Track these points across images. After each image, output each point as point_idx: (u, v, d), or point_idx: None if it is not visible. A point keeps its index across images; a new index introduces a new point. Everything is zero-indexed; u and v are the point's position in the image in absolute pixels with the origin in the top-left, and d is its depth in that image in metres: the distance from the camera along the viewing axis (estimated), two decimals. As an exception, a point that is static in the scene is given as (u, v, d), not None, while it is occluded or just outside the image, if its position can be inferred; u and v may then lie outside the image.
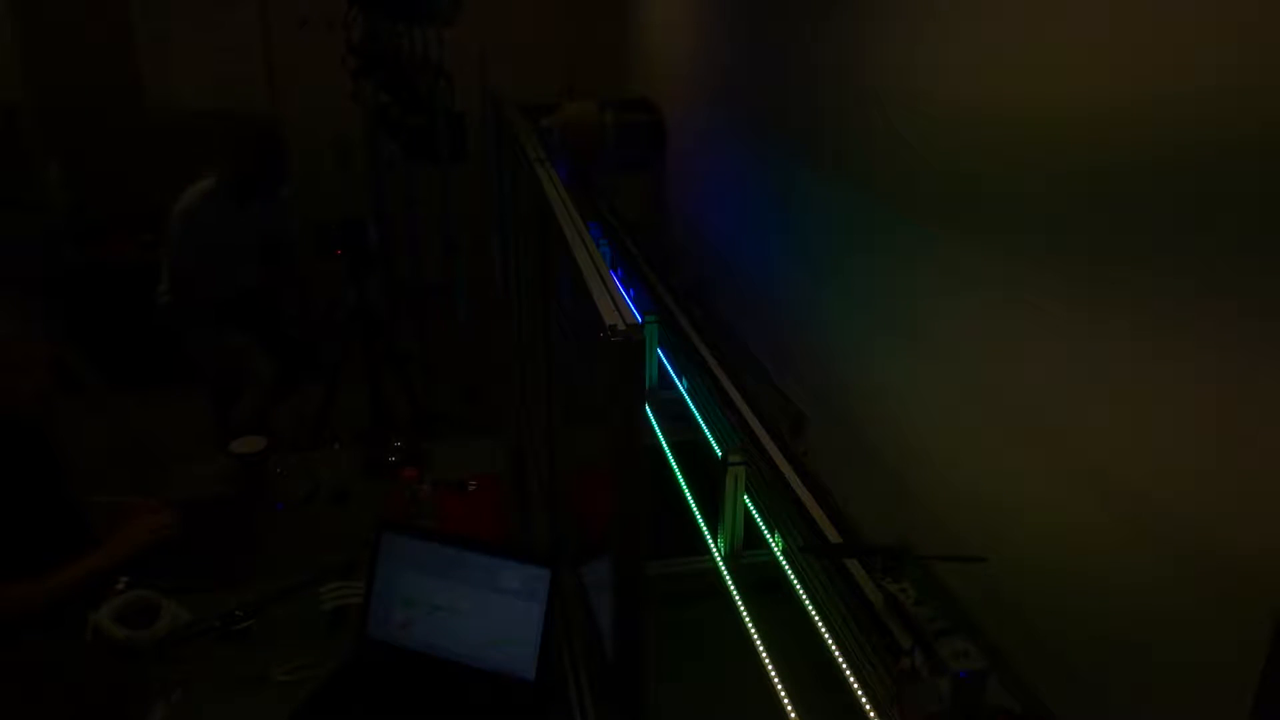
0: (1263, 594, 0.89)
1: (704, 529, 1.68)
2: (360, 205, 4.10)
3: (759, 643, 1.37)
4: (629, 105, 3.74)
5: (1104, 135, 1.11)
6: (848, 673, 1.24)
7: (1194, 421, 0.99)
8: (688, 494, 1.77)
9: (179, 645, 1.74)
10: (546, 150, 1.95)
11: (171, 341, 3.43)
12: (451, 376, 4.08)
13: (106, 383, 4.03)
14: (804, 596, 1.42)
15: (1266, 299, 0.89)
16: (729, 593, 1.51)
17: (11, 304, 1.97)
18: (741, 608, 1.45)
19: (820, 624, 1.35)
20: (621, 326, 0.94)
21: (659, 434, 1.96)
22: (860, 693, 1.21)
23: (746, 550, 1.63)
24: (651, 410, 2.02)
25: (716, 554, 1.63)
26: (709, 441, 1.90)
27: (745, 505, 1.62)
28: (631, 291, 2.69)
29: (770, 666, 1.32)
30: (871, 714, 1.18)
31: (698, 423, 1.98)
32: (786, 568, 1.50)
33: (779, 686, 1.29)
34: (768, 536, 1.60)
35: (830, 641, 1.31)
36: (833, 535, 1.50)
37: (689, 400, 2.07)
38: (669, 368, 2.26)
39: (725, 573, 1.56)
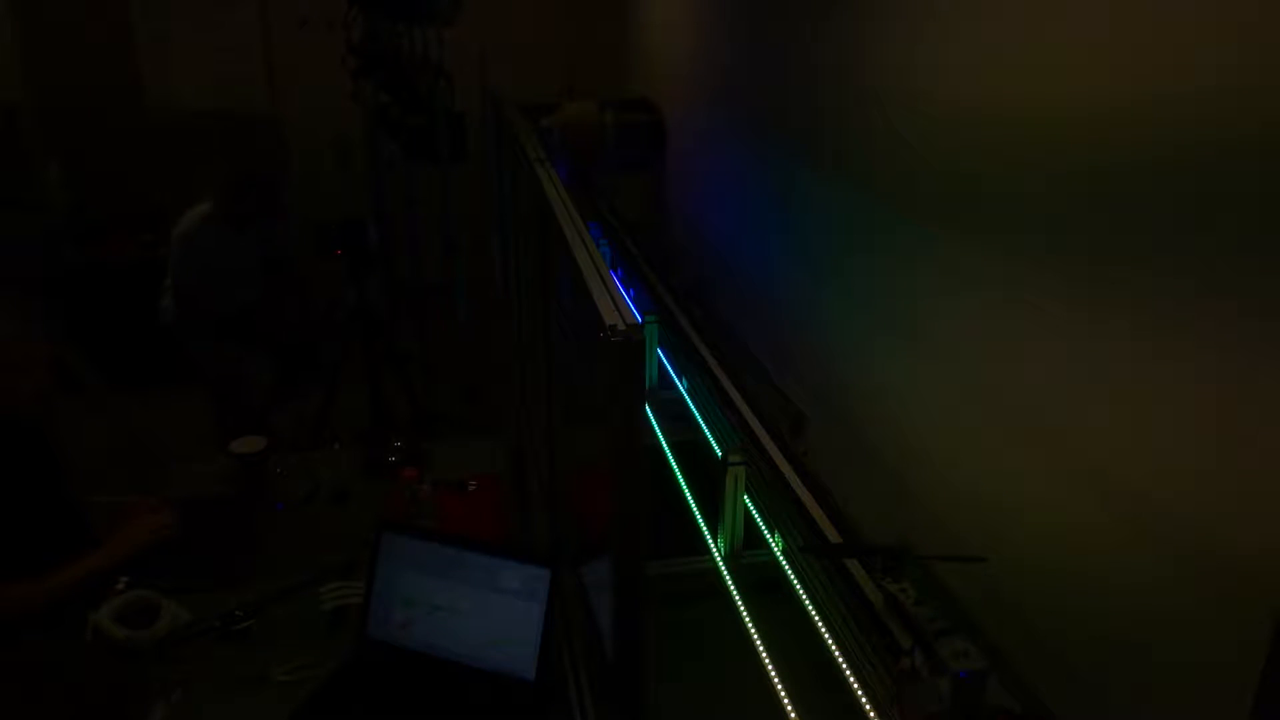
0: (1263, 594, 0.89)
1: (704, 529, 1.68)
2: (360, 205, 4.11)
3: (759, 643, 1.37)
4: (629, 105, 3.74)
5: (1104, 135, 1.11)
6: (848, 673, 1.24)
7: (1194, 421, 0.99)
8: (688, 494, 1.77)
9: (179, 645, 1.74)
10: (546, 150, 1.95)
11: (172, 343, 3.43)
12: (451, 376, 4.08)
13: (106, 383, 4.03)
14: (804, 596, 1.42)
15: (1266, 299, 0.89)
16: (729, 593, 1.51)
17: (11, 304, 1.97)
18: (741, 608, 1.45)
19: (820, 624, 1.35)
20: (621, 326, 0.94)
21: (659, 434, 1.96)
22: (860, 693, 1.21)
23: (746, 550, 1.63)
24: (651, 410, 2.02)
25: (716, 554, 1.63)
26: (709, 441, 1.90)
27: (745, 505, 1.62)
28: (631, 291, 2.69)
29: (770, 666, 1.32)
30: (871, 714, 1.18)
31: (698, 423, 1.98)
32: (786, 568, 1.50)
33: (779, 686, 1.29)
34: (768, 536, 1.60)
35: (830, 641, 1.31)
36: (833, 535, 1.50)
37: (689, 400, 2.07)
38: (669, 368, 2.26)
39: (725, 573, 1.56)
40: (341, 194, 4.34)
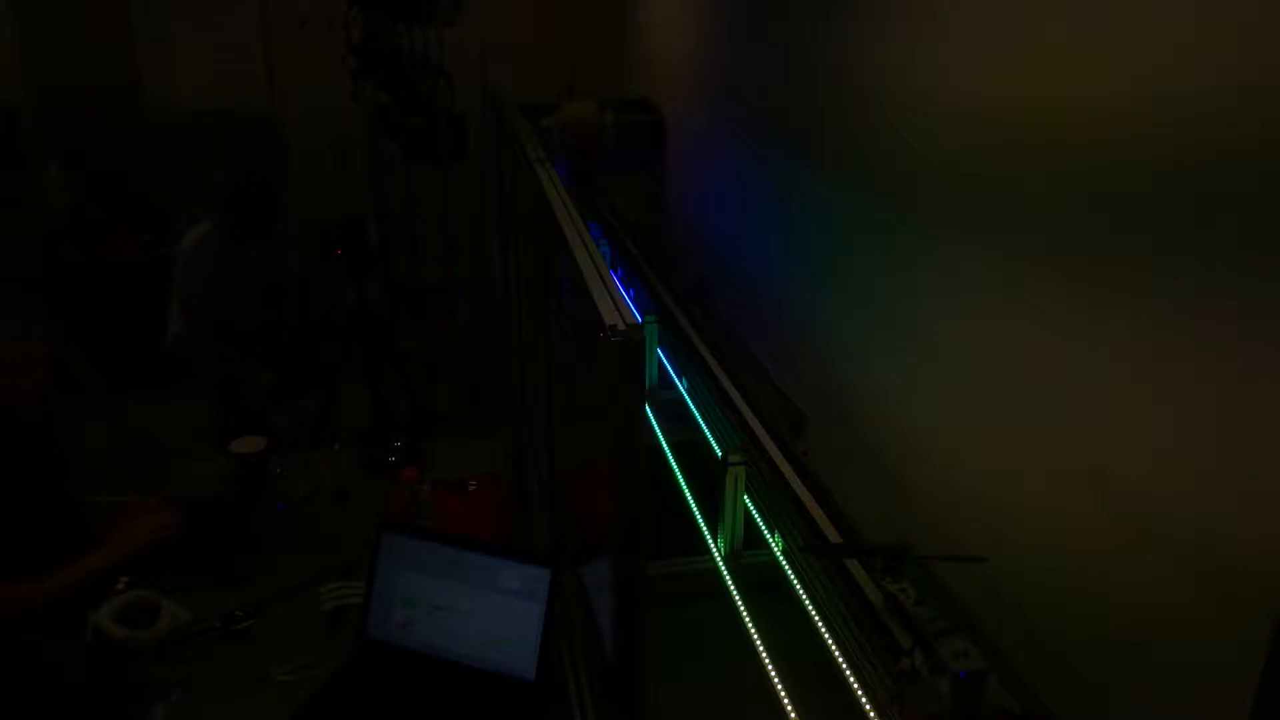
0: (1263, 594, 0.89)
1: (704, 529, 1.68)
2: (360, 205, 4.11)
3: (759, 643, 1.37)
4: (629, 105, 3.74)
5: (1104, 135, 1.11)
6: (848, 673, 1.24)
7: (1194, 421, 0.99)
8: (688, 494, 1.77)
9: (179, 645, 1.74)
10: (546, 150, 1.95)
11: (179, 362, 3.42)
12: (451, 376, 4.08)
13: (106, 383, 4.03)
14: (804, 596, 1.42)
15: (1266, 299, 0.89)
16: (729, 593, 1.51)
17: (11, 304, 1.97)
18: (741, 608, 1.45)
19: (820, 624, 1.35)
20: (621, 326, 0.94)
21: (659, 434, 1.96)
22: (860, 693, 1.21)
23: (746, 550, 1.63)
24: (651, 410, 2.02)
25: (716, 554, 1.63)
26: (709, 441, 1.90)
27: (745, 505, 1.62)
28: (631, 291, 2.69)
29: (770, 666, 1.32)
30: (871, 714, 1.18)
31: (698, 423, 1.98)
32: (786, 568, 1.50)
33: (779, 686, 1.29)
34: (768, 536, 1.60)
35: (830, 641, 1.31)
36: (833, 535, 1.50)
37: (689, 400, 2.07)
38: (669, 368, 2.26)
39: (725, 573, 1.56)
40: (341, 194, 4.34)
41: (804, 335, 2.14)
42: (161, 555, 1.95)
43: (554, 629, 1.64)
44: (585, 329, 1.02)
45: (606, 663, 1.28)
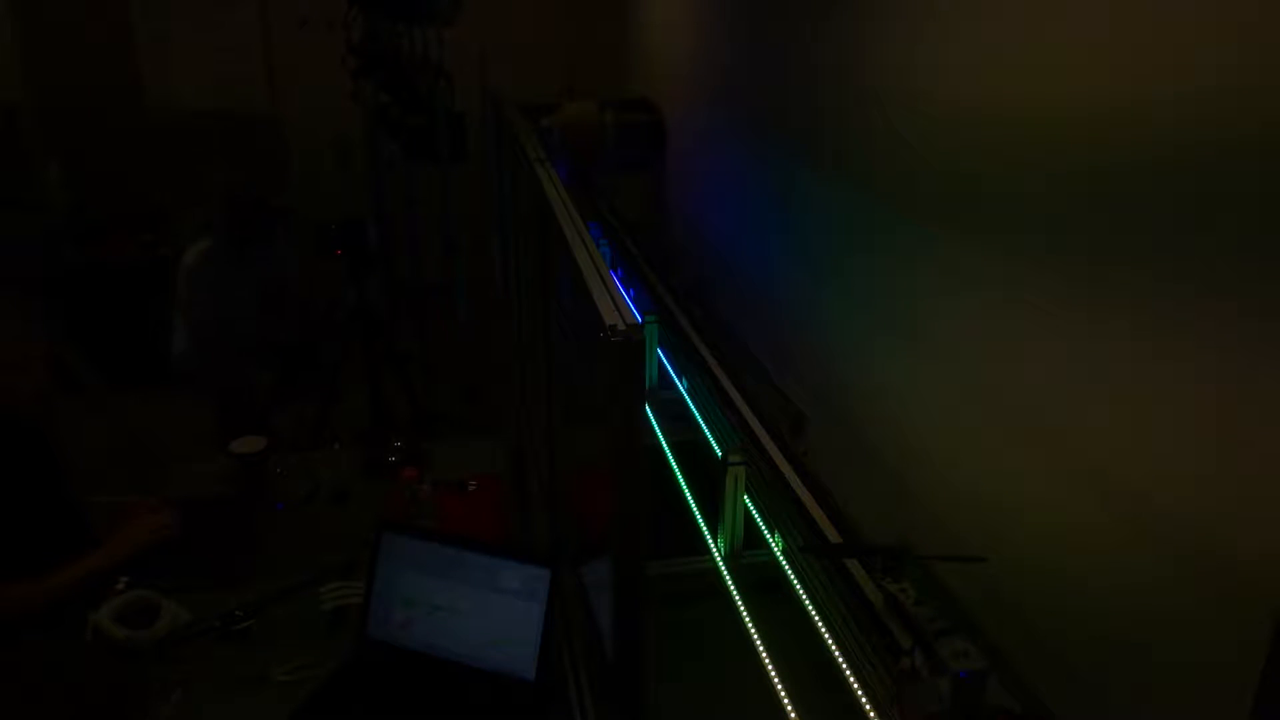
0: (1263, 594, 0.89)
1: (704, 529, 1.68)
2: (360, 205, 4.11)
3: (759, 643, 1.37)
4: (629, 105, 3.74)
5: (1104, 135, 1.11)
6: (848, 673, 1.24)
7: (1194, 422, 0.99)
8: (688, 494, 1.77)
9: (179, 645, 1.74)
10: (546, 150, 1.95)
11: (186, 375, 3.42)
12: (451, 376, 4.08)
13: (106, 383, 4.03)
14: (804, 596, 1.42)
15: (1266, 299, 0.89)
16: (729, 593, 1.51)
17: (11, 304, 1.97)
18: (741, 608, 1.45)
19: (820, 624, 1.35)
20: (621, 326, 0.94)
21: (659, 434, 1.96)
22: (860, 693, 1.21)
23: (746, 550, 1.62)
24: (651, 410, 2.02)
25: (716, 554, 1.63)
26: (709, 441, 1.90)
27: (745, 505, 1.62)
28: (631, 291, 2.69)
29: (770, 666, 1.32)
30: (871, 714, 1.18)
31: (698, 423, 1.98)
32: (786, 568, 1.50)
33: (779, 686, 1.29)
34: (768, 536, 1.60)
35: (830, 641, 1.31)
36: (833, 535, 1.50)
37: (689, 400, 2.07)
38: (669, 368, 2.26)
39: (725, 573, 1.56)
40: (341, 194, 4.34)
41: (804, 335, 2.14)
42: (161, 555, 1.95)
43: (554, 629, 1.64)
44: (585, 329, 1.02)
45: (606, 663, 1.28)
